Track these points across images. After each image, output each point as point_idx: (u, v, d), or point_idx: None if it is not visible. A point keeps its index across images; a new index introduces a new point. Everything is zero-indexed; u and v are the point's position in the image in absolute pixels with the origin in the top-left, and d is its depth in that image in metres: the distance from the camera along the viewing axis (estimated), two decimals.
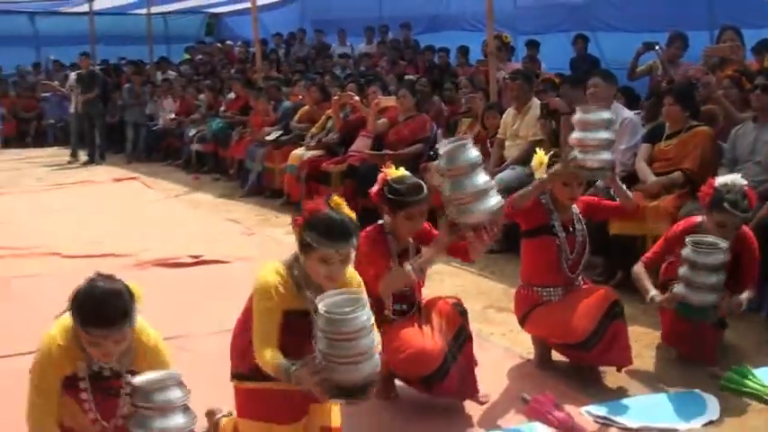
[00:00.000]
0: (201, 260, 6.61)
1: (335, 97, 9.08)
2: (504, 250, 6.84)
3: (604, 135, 3.95)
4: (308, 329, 2.96)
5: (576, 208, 4.31)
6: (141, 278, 6.07)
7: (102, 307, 2.74)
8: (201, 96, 13.48)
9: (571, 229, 4.26)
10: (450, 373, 3.76)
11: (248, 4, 12.95)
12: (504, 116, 7.46)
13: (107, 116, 14.72)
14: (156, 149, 14.33)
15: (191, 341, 4.78)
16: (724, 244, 4.03)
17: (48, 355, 2.85)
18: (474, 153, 3.60)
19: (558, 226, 4.21)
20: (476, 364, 3.91)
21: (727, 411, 3.77)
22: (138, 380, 2.78)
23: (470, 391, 3.87)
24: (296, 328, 3.06)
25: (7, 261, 6.83)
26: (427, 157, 7.92)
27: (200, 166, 12.32)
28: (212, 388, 3.89)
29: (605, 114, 4.00)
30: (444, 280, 6.07)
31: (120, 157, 14.41)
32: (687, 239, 4.11)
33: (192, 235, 7.59)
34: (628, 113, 6.22)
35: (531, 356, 4.43)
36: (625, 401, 3.90)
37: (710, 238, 4.08)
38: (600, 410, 3.79)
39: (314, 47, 15.93)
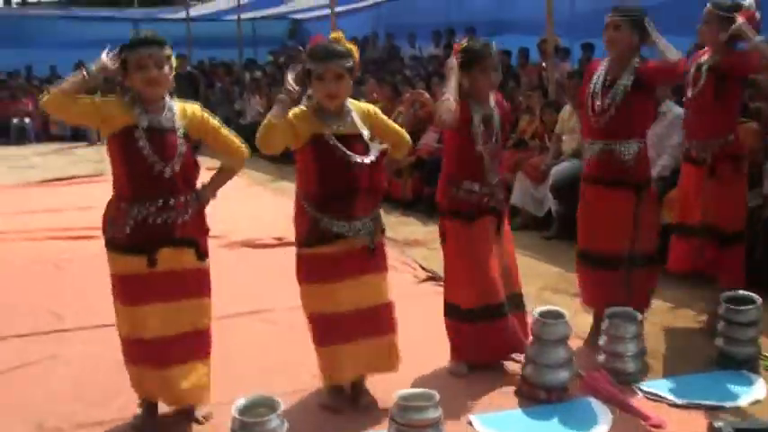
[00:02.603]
0: (284, 242, 6.64)
1: (407, 95, 8.99)
2: (558, 237, 6.74)
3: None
4: (337, 153, 3.29)
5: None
6: (230, 257, 6.20)
7: (145, 34, 3.23)
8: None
9: None
10: (508, 317, 3.81)
11: (327, 12, 12.98)
12: (561, 113, 7.33)
13: None
14: (245, 143, 14.40)
15: (275, 314, 4.81)
16: (758, 300, 3.86)
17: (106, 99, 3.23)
18: (563, 330, 3.59)
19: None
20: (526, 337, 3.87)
21: None
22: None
23: (510, 347, 3.87)
24: (326, 153, 3.31)
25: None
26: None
27: (283, 158, 12.36)
28: (294, 355, 3.92)
29: None
30: None
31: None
32: (721, 297, 3.94)
33: (276, 219, 7.60)
34: (678, 110, 6.04)
35: (586, 336, 4.33)
36: (674, 379, 3.78)
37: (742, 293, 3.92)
38: (650, 387, 3.69)
39: (385, 50, 15.90)
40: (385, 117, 3.61)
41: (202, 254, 3.35)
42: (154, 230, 3.19)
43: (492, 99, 3.94)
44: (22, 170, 12.30)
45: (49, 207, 8.68)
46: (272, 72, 16.14)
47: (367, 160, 3.35)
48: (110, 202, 3.30)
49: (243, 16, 17.27)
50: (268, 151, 3.40)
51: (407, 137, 3.67)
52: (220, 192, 3.55)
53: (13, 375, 4.06)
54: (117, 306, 3.32)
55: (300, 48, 17.92)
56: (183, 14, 18.23)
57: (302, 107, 3.37)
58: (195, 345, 3.36)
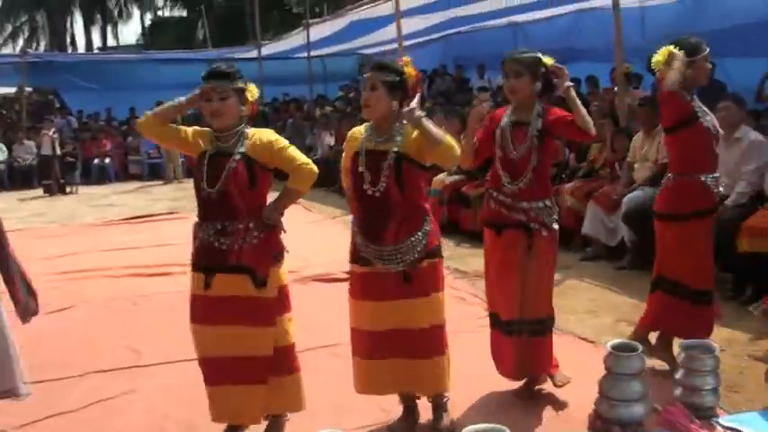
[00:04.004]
0: None
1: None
2: (634, 267, 6.62)
3: None
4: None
5: None
6: (302, 292, 6.26)
7: (215, 67, 3.40)
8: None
9: None
10: (511, 338, 3.82)
11: (395, 45, 13.12)
12: (633, 140, 7.23)
13: None
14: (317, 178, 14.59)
15: (343, 349, 4.82)
16: None
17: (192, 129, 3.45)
18: (638, 363, 3.52)
19: None
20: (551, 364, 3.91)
21: None
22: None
23: (522, 371, 3.90)
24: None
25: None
26: (560, 179, 7.76)
27: None
28: None
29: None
30: (578, 294, 5.92)
31: (283, 184, 14.80)
32: None
33: (346, 252, 7.70)
34: (755, 135, 5.90)
35: (664, 367, 4.23)
36: (756, 414, 3.65)
37: None
38: (730, 422, 3.56)
39: (454, 81, 15.95)
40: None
41: (260, 282, 3.35)
42: (211, 253, 3.33)
43: (538, 107, 3.84)
44: (102, 208, 12.75)
45: (127, 245, 8.95)
46: (341, 107, 16.36)
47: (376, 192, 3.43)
48: (195, 222, 3.50)
49: (313, 53, 17.60)
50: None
51: (458, 151, 3.51)
52: (292, 227, 3.59)
53: (93, 410, 4.18)
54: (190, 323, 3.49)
55: None
56: (255, 53, 18.69)
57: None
58: (248, 370, 3.40)
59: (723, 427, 3.54)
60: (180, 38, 36.19)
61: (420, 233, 3.46)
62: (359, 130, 3.59)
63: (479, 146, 3.91)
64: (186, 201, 13.03)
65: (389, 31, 14.88)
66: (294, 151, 3.46)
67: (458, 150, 3.48)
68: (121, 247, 8.84)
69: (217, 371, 3.39)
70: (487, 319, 5.39)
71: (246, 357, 3.37)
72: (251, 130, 3.44)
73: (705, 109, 4.22)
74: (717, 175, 4.17)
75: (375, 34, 16.98)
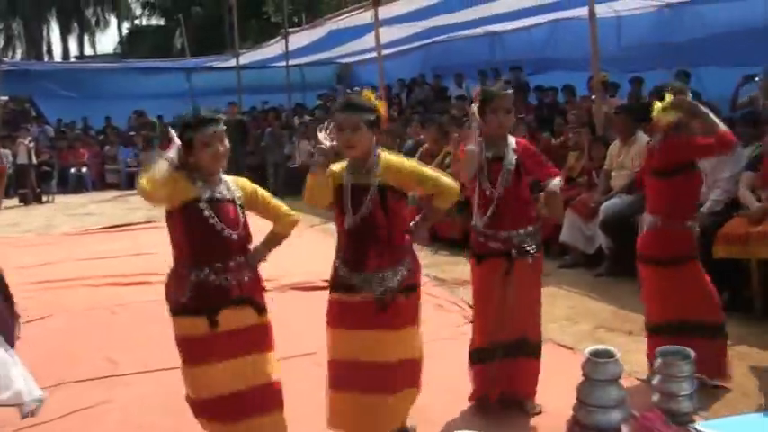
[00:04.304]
0: None
1: (455, 135, 9.04)
2: (611, 274, 6.67)
3: None
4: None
5: None
6: (281, 300, 6.25)
7: (204, 113, 3.34)
8: (319, 127, 13.69)
9: None
10: (492, 364, 3.87)
11: (374, 54, 13.16)
12: (609, 148, 7.29)
13: (249, 156, 15.24)
14: (295, 186, 14.59)
15: (322, 357, 4.80)
16: None
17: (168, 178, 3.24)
18: (615, 369, 3.49)
19: None
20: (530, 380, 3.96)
21: None
22: None
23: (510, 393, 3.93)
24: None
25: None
26: (538, 189, 7.79)
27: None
28: None
29: None
30: (557, 301, 5.95)
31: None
32: None
33: (326, 261, 7.68)
34: None
35: (641, 375, 4.26)
36: (734, 419, 3.68)
37: None
38: (707, 427, 3.58)
39: (432, 90, 16.02)
40: (412, 165, 3.60)
41: (262, 309, 3.45)
42: (213, 292, 3.31)
43: (512, 141, 3.94)
44: (80, 217, 12.66)
45: (104, 254, 8.89)
46: (320, 116, 16.37)
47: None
48: (171, 271, 3.42)
49: (291, 62, 17.59)
50: (314, 205, 3.54)
51: (450, 182, 3.63)
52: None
53: (70, 420, 4.15)
54: (184, 369, 3.42)
55: (349, 90, 18.22)
56: (233, 62, 18.66)
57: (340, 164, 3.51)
58: (268, 396, 3.45)
59: None
60: (157, 46, 36.08)
61: (402, 267, 3.48)
62: (340, 166, 3.53)
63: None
64: (164, 210, 12.96)
65: (368, 41, 14.92)
66: (276, 200, 3.60)
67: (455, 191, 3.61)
68: (99, 256, 8.78)
69: (238, 405, 3.36)
70: (467, 326, 5.45)
71: (266, 384, 3.44)
72: (225, 176, 3.47)
73: None
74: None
75: (353, 43, 17.03)
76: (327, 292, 3.67)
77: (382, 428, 3.55)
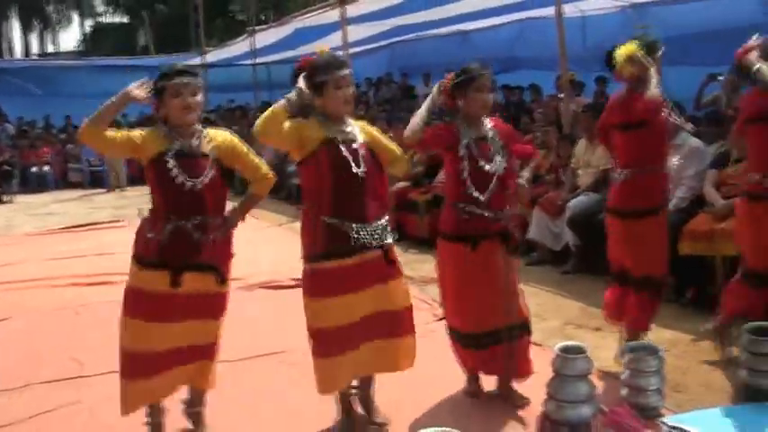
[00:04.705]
0: (300, 283, 6.66)
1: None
2: (578, 271, 6.73)
3: None
4: (344, 158, 3.47)
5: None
6: (249, 299, 6.21)
7: (181, 67, 3.47)
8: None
9: None
10: (500, 346, 3.88)
11: (341, 53, 13.13)
12: (576, 146, 7.35)
13: None
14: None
15: (290, 356, 4.81)
16: None
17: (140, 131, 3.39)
18: (585, 365, 3.52)
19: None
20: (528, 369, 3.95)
21: None
22: None
23: (513, 372, 3.95)
24: (336, 158, 3.45)
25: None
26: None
27: (300, 199, 12.43)
28: (314, 397, 3.91)
29: None
30: (526, 299, 5.96)
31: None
32: (743, 328, 3.90)
33: (294, 260, 7.66)
34: (695, 141, 6.06)
35: (608, 370, 4.30)
36: (700, 413, 3.73)
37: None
38: (675, 421, 3.62)
39: (400, 89, 16.04)
40: (378, 133, 3.73)
41: (224, 279, 3.51)
42: (183, 249, 3.34)
43: (489, 122, 3.97)
44: (42, 217, 12.46)
45: (68, 254, 8.75)
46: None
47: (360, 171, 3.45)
48: (146, 220, 3.45)
49: (258, 60, 17.48)
50: (267, 140, 3.51)
51: (401, 153, 3.75)
52: (238, 234, 3.65)
53: (37, 421, 4.08)
54: (126, 319, 3.43)
55: None
56: (198, 60, 18.50)
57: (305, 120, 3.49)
58: (205, 352, 3.57)
59: (668, 426, 3.60)
60: (121, 44, 35.64)
61: (386, 213, 3.59)
62: (307, 125, 3.47)
63: (429, 140, 3.93)
64: (130, 209, 12.83)
65: (335, 39, 14.85)
66: (256, 157, 3.64)
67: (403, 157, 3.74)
68: (62, 256, 8.64)
69: (155, 363, 3.41)
70: (437, 323, 5.46)
71: (205, 345, 3.55)
72: (206, 129, 3.52)
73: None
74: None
75: (320, 42, 16.88)
76: (295, 290, 3.66)
77: (403, 365, 3.67)
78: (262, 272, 7.13)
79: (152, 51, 27.44)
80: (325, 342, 3.49)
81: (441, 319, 5.54)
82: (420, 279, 6.82)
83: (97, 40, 40.38)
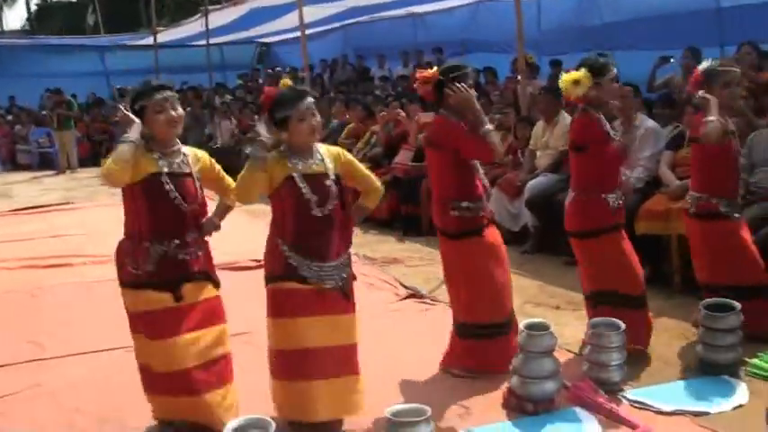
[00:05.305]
0: (262, 263, 6.62)
1: (383, 113, 9.13)
2: (537, 251, 6.81)
3: None
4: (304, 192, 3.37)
5: None
6: None
7: (155, 83, 3.42)
8: (257, 117, 13.50)
9: None
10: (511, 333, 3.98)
11: (296, 34, 13.04)
12: (534, 128, 7.42)
13: None
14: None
15: (254, 337, 4.78)
16: (737, 306, 3.91)
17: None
18: (549, 341, 3.65)
19: None
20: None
21: (754, 395, 3.68)
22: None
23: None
24: (296, 193, 3.38)
25: (90, 267, 6.91)
26: None
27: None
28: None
29: None
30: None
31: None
32: (701, 305, 4.01)
33: (253, 241, 7.57)
34: (651, 123, 6.16)
35: (570, 347, 4.37)
36: (659, 387, 3.83)
37: (722, 300, 3.98)
38: (635, 395, 3.73)
39: (355, 71, 15.98)
40: (356, 161, 3.66)
41: (217, 284, 3.55)
42: (176, 266, 3.34)
43: None
44: None
45: (19, 236, 8.54)
46: (241, 96, 16.14)
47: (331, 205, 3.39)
48: (125, 242, 3.40)
49: (211, 41, 17.25)
50: (246, 201, 3.52)
51: (378, 184, 3.72)
52: None
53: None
54: (142, 341, 3.38)
55: (270, 71, 18.02)
56: (150, 41, 18.17)
57: (273, 153, 3.38)
58: (226, 368, 3.50)
59: (628, 400, 3.70)
60: (69, 24, 34.81)
61: (350, 249, 3.53)
62: (275, 161, 3.37)
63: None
64: (81, 191, 12.61)
65: (289, 20, 14.75)
66: (221, 171, 3.67)
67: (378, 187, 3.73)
68: (13, 238, 8.41)
69: (203, 378, 3.35)
70: (399, 303, 5.50)
71: (224, 356, 3.49)
72: (184, 147, 3.50)
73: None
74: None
75: (275, 23, 16.80)
76: (256, 271, 3.64)
77: (360, 408, 3.50)
78: (221, 253, 7.04)
79: (102, 31, 26.85)
80: (284, 364, 3.43)
81: (404, 299, 5.59)
82: (381, 259, 6.85)
83: (43, 20, 39.36)
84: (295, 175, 3.34)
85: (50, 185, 13.76)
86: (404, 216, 8.09)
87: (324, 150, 3.48)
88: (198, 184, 3.45)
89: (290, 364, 3.40)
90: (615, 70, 4.18)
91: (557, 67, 10.76)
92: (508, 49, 11.25)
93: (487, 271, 4.01)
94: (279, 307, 3.41)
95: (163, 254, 3.31)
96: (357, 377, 3.48)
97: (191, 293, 3.37)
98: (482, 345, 4.03)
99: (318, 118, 3.40)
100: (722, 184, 4.29)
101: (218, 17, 16.99)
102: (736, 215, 4.31)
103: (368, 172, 3.72)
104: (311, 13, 14.09)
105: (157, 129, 3.33)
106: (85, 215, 9.72)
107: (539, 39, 11.78)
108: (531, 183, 6.94)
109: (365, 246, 7.39)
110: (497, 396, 3.78)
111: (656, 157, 5.97)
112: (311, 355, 3.36)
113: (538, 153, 7.26)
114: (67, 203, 10.96)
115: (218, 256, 6.69)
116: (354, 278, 3.55)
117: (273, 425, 2.86)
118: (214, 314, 3.47)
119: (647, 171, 5.91)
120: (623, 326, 3.84)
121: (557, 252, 6.40)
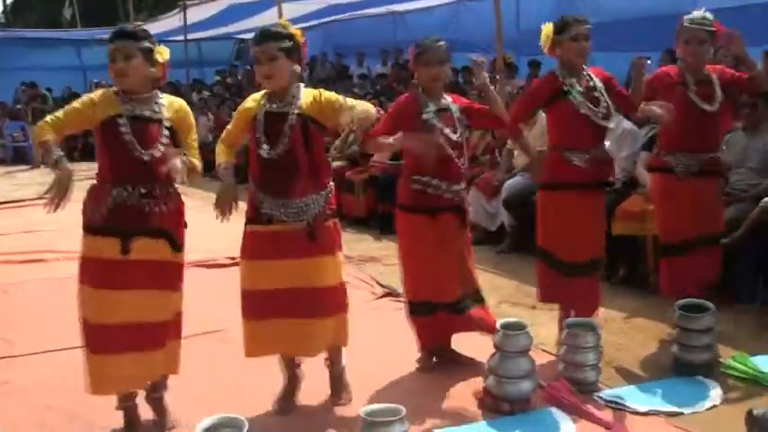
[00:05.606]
0: (238, 261, 6.56)
1: None
2: (514, 251, 6.82)
3: None
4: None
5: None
6: (184, 278, 6.08)
7: (122, 27, 3.44)
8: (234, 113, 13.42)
9: None
10: (465, 314, 4.00)
11: None
12: None
13: None
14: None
15: (229, 334, 4.73)
16: (711, 307, 3.94)
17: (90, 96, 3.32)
18: (525, 341, 3.63)
19: None
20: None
21: (728, 396, 3.70)
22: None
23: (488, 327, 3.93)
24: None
25: (63, 263, 6.80)
26: None
27: (238, 180, 12.24)
28: (248, 375, 3.87)
29: None
30: None
31: None
32: (675, 305, 4.00)
33: (229, 238, 7.52)
34: (628, 124, 6.17)
35: (546, 347, 4.36)
36: (634, 387, 3.83)
37: (697, 300, 3.99)
38: (611, 395, 3.72)
39: (334, 69, 15.94)
40: (332, 95, 3.60)
41: (178, 246, 3.41)
42: (131, 215, 3.24)
43: (447, 96, 4.07)
44: None
45: None
46: (219, 92, 16.06)
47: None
48: (92, 187, 3.34)
49: (189, 36, 17.11)
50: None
51: (343, 101, 3.56)
52: None
53: None
54: (84, 289, 3.30)
55: (249, 67, 17.90)
56: None
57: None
58: (170, 331, 3.43)
59: (604, 400, 3.69)
60: (46, 17, 34.42)
61: (325, 191, 3.54)
62: (255, 98, 3.55)
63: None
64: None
65: (268, 17, 14.63)
66: (196, 140, 3.57)
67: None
68: None
69: (117, 337, 3.25)
70: (376, 301, 5.47)
71: (154, 322, 3.34)
72: (165, 96, 3.44)
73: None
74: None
75: (253, 19, 16.68)
76: (231, 269, 3.63)
77: (317, 349, 3.62)
78: (197, 250, 6.99)
79: (79, 25, 26.58)
80: (249, 304, 3.54)
81: (380, 298, 5.56)
82: (358, 258, 6.82)
83: (19, 13, 38.91)
84: (257, 114, 3.48)
85: (24, 180, 13.59)
86: (381, 214, 8.05)
87: (305, 92, 3.53)
88: (165, 131, 3.33)
89: (247, 305, 3.55)
90: (583, 29, 4.23)
91: (534, 67, 10.81)
92: (488, 49, 11.26)
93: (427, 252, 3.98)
94: (242, 249, 3.57)
95: (122, 200, 3.22)
96: (314, 320, 3.49)
97: (140, 249, 3.26)
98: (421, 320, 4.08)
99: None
100: None
101: (197, 12, 16.85)
102: None
103: (330, 94, 3.60)
104: (291, 9, 14.02)
105: (111, 75, 3.29)
106: (60, 211, 9.58)
107: (518, 39, 11.82)
108: (509, 182, 6.94)
109: (342, 244, 7.34)
110: (474, 395, 3.76)
111: (634, 157, 5.98)
112: (261, 296, 3.48)
113: (515, 153, 7.26)
114: (41, 198, 10.82)
115: (192, 254, 6.74)
116: (327, 219, 3.53)
117: (247, 424, 2.82)
118: (164, 277, 3.35)
119: (624, 172, 5.92)
120: (599, 326, 3.85)
121: (533, 252, 6.37)
